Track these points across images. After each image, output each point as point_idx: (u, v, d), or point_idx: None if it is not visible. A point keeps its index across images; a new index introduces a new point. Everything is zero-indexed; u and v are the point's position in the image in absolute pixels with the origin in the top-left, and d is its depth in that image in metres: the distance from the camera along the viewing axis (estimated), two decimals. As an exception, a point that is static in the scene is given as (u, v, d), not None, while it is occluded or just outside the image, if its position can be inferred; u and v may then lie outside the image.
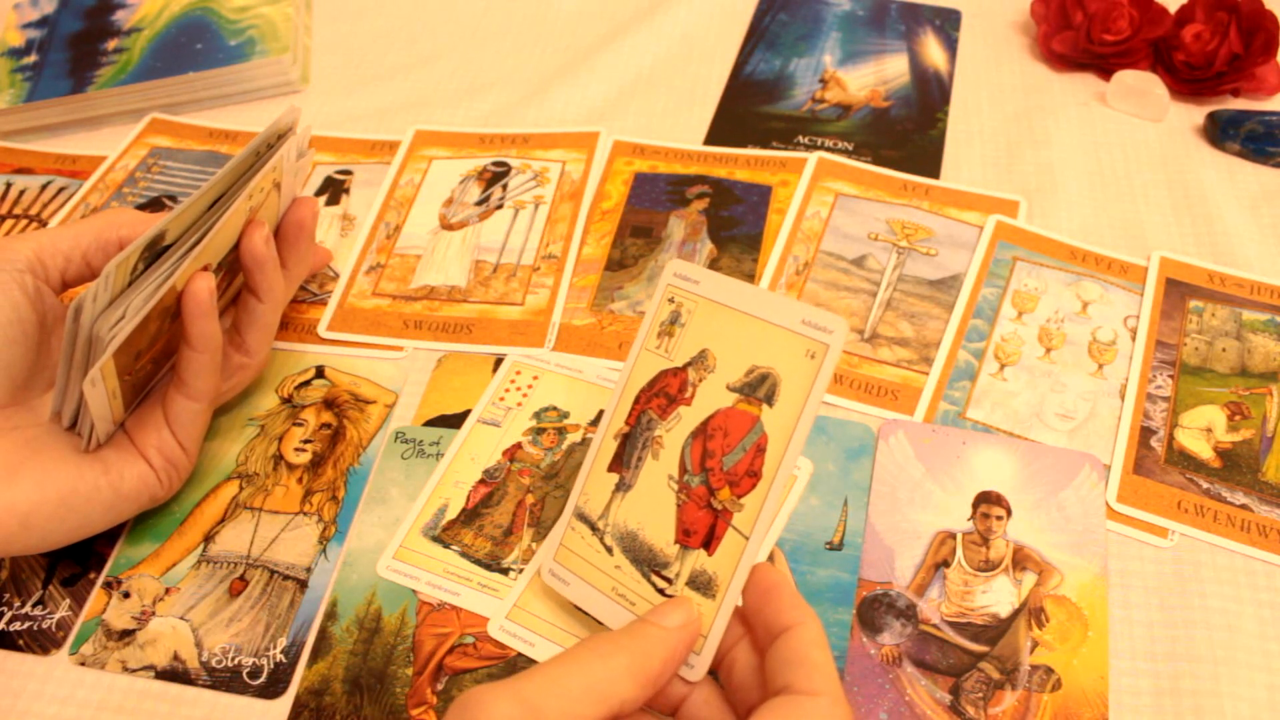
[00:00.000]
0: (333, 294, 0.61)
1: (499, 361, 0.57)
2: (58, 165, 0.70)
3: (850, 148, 0.68)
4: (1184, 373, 0.55)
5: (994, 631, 0.46)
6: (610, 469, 0.44)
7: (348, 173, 0.68)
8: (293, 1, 0.77)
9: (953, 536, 0.49)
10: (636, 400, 0.44)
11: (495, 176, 0.67)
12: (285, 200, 0.52)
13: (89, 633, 0.47)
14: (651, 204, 0.65)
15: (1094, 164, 0.67)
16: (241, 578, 0.49)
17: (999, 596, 0.47)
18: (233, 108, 0.74)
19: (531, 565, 0.49)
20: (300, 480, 0.52)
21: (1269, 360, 0.55)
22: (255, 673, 0.46)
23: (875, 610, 0.47)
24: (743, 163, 0.67)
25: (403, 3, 0.82)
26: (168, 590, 0.49)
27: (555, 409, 0.54)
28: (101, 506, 0.46)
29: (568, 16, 0.80)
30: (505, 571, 0.49)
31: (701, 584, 0.40)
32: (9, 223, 0.66)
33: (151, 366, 0.48)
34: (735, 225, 0.63)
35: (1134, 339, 0.56)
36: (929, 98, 0.71)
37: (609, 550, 0.43)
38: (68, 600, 0.49)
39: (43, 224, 0.66)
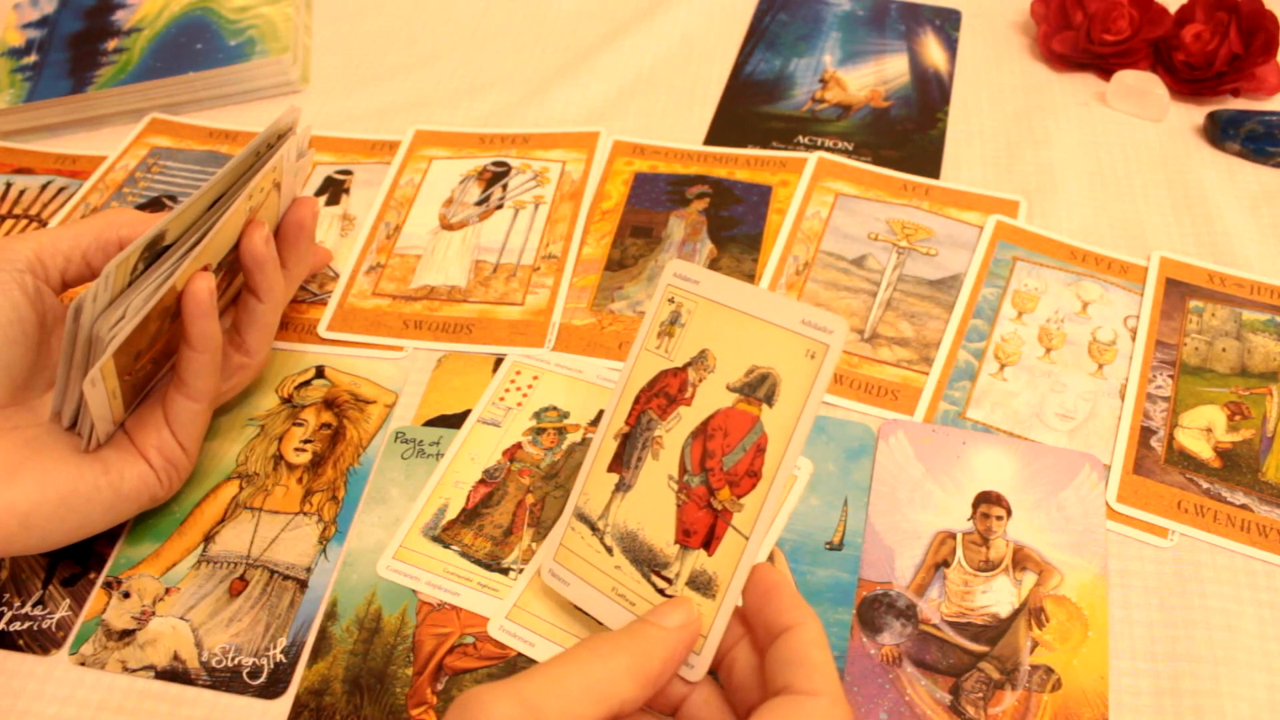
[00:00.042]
0: (333, 294, 0.61)
1: (499, 361, 0.57)
2: (58, 165, 0.70)
3: (850, 148, 0.68)
4: (1184, 373, 0.55)
5: (994, 631, 0.46)
6: (610, 469, 0.44)
7: (348, 173, 0.68)
8: (293, 1, 0.77)
9: (953, 536, 0.49)
10: (636, 400, 0.44)
11: (495, 176, 0.67)
12: (285, 200, 0.52)
13: (89, 633, 0.48)
14: (651, 204, 0.65)
15: (1094, 164, 0.67)
16: (241, 578, 0.49)
17: (999, 596, 0.47)
18: (233, 108, 0.74)
19: (531, 565, 0.49)
20: (300, 480, 0.52)
21: (1269, 360, 0.55)
22: (255, 673, 0.46)
23: (875, 610, 0.47)
24: (743, 163, 0.67)
25: (403, 3, 0.82)
26: (168, 590, 0.49)
27: (555, 409, 0.54)
28: (101, 506, 0.46)
29: (568, 16, 0.80)
30: (505, 571, 0.49)
31: (701, 584, 0.40)
32: (9, 223, 0.66)
33: (151, 366, 0.48)
34: (735, 225, 0.63)
35: (1134, 339, 0.56)
36: (929, 98, 0.71)
37: (609, 550, 0.43)
38: (68, 600, 0.49)
39: (43, 224, 0.66)
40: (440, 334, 0.58)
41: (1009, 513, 0.50)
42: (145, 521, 0.51)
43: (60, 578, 0.50)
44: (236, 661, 0.46)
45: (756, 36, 0.77)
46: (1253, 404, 0.54)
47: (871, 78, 0.73)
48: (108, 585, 0.49)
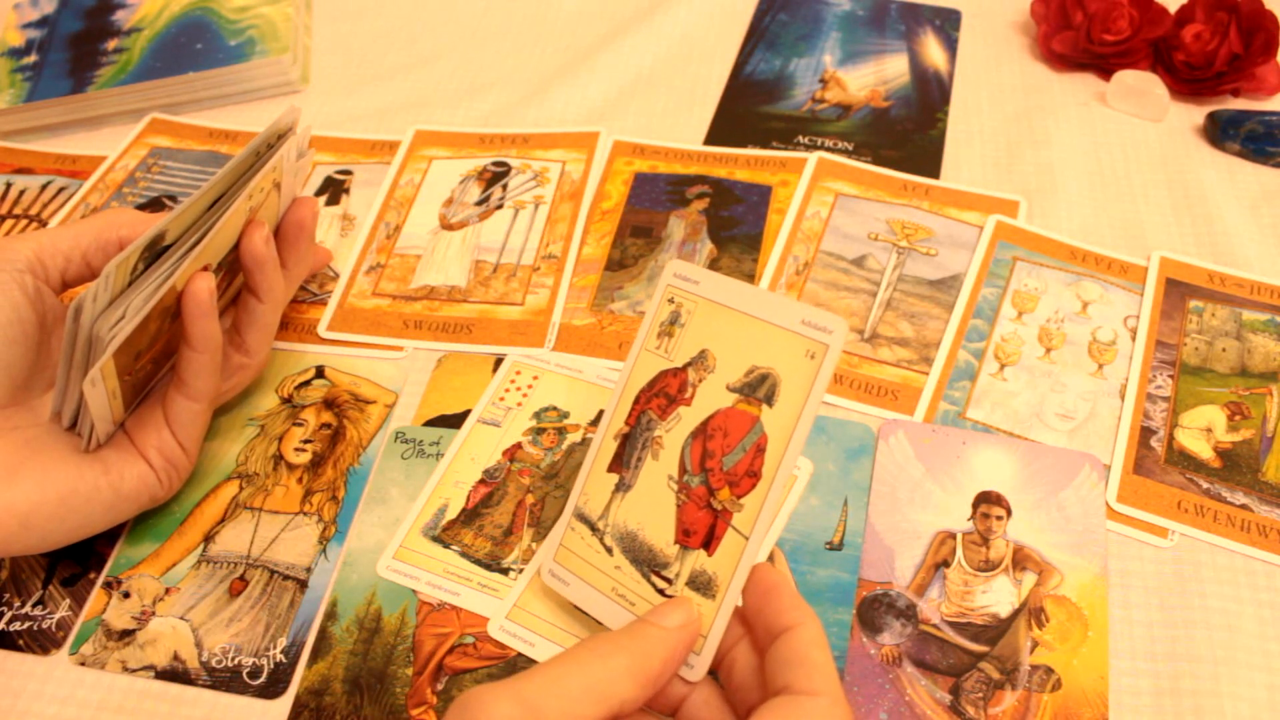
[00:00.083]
0: (333, 294, 0.61)
1: (499, 361, 0.57)
2: (58, 165, 0.70)
3: (850, 148, 0.68)
4: (1184, 373, 0.55)
5: (994, 631, 0.46)
6: (610, 469, 0.44)
7: (348, 173, 0.68)
8: (293, 1, 0.77)
9: (953, 536, 0.49)
10: (636, 400, 0.44)
11: (495, 176, 0.67)
12: (285, 200, 0.52)
13: (89, 633, 0.48)
14: (651, 204, 0.65)
15: (1094, 164, 0.67)
16: (241, 578, 0.49)
17: (999, 596, 0.47)
18: (233, 108, 0.74)
19: (531, 565, 0.49)
20: (300, 480, 0.52)
21: (1269, 360, 0.55)
22: (255, 673, 0.46)
23: (875, 610, 0.47)
24: (743, 163, 0.67)
25: (403, 3, 0.82)
26: (168, 590, 0.49)
27: (555, 409, 0.54)
28: (101, 507, 0.46)
29: (568, 16, 0.80)
30: (505, 571, 0.49)
31: (701, 584, 0.40)
32: (9, 223, 0.66)
33: (151, 366, 0.48)
34: (735, 225, 0.63)
35: (1134, 339, 0.56)
36: (929, 98, 0.71)
37: (609, 550, 0.43)
38: (68, 600, 0.49)
39: (43, 224, 0.66)
40: (440, 334, 0.58)
41: (1009, 513, 0.50)
42: (145, 521, 0.51)
43: (60, 578, 0.50)
44: (236, 661, 0.46)
45: (756, 36, 0.77)
46: (1253, 404, 0.54)
47: (871, 78, 0.73)
48: (108, 585, 0.49)
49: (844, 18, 0.78)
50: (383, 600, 0.48)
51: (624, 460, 0.44)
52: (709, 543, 0.41)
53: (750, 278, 0.60)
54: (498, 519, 0.50)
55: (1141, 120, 0.70)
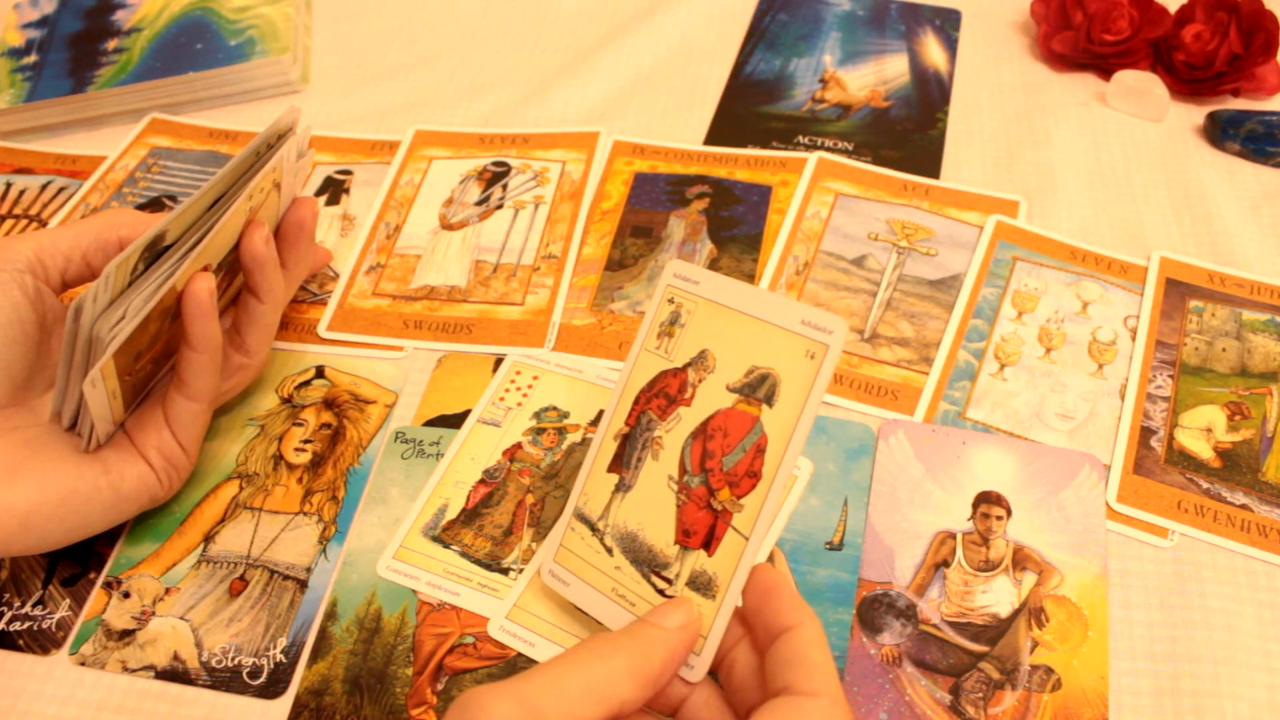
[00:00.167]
0: (333, 294, 0.61)
1: (499, 361, 0.57)
2: (58, 165, 0.70)
3: (850, 148, 0.68)
4: (1184, 373, 0.55)
5: (994, 631, 0.46)
6: (610, 469, 0.44)
7: (348, 173, 0.68)
8: (293, 1, 0.77)
9: (953, 536, 0.49)
10: (636, 401, 0.44)
11: (495, 176, 0.67)
12: (285, 200, 0.52)
13: (89, 633, 0.48)
14: (651, 204, 0.65)
15: (1094, 164, 0.67)
16: (241, 578, 0.49)
17: (999, 596, 0.47)
18: (233, 108, 0.74)
19: (531, 565, 0.49)
20: (300, 480, 0.52)
21: (1269, 360, 0.55)
22: (255, 673, 0.46)
23: (875, 610, 0.47)
24: (743, 163, 0.67)
25: (403, 3, 0.82)
26: (168, 590, 0.49)
27: (555, 409, 0.54)
28: (101, 507, 0.46)
29: (568, 16, 0.80)
30: (505, 571, 0.49)
31: (701, 584, 0.40)
32: (9, 223, 0.66)
33: (151, 367, 0.48)
34: (735, 225, 0.63)
35: (1134, 339, 0.56)
36: (929, 98, 0.71)
37: (609, 551, 0.43)
38: (68, 600, 0.49)
39: (43, 224, 0.66)
40: (440, 334, 0.58)
41: (1009, 513, 0.50)
42: (145, 521, 0.51)
43: (60, 578, 0.50)
44: (236, 661, 0.46)
45: (756, 36, 0.77)
46: (1253, 404, 0.54)
47: (871, 78, 0.73)
48: (108, 585, 0.49)
49: (844, 18, 0.78)
50: (383, 600, 0.48)
51: (624, 460, 0.44)
52: (709, 543, 0.41)
53: (750, 278, 0.60)
54: (498, 519, 0.50)
55: (1141, 120, 0.70)
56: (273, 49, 0.73)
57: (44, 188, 0.68)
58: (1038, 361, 0.56)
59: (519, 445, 0.53)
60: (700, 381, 0.43)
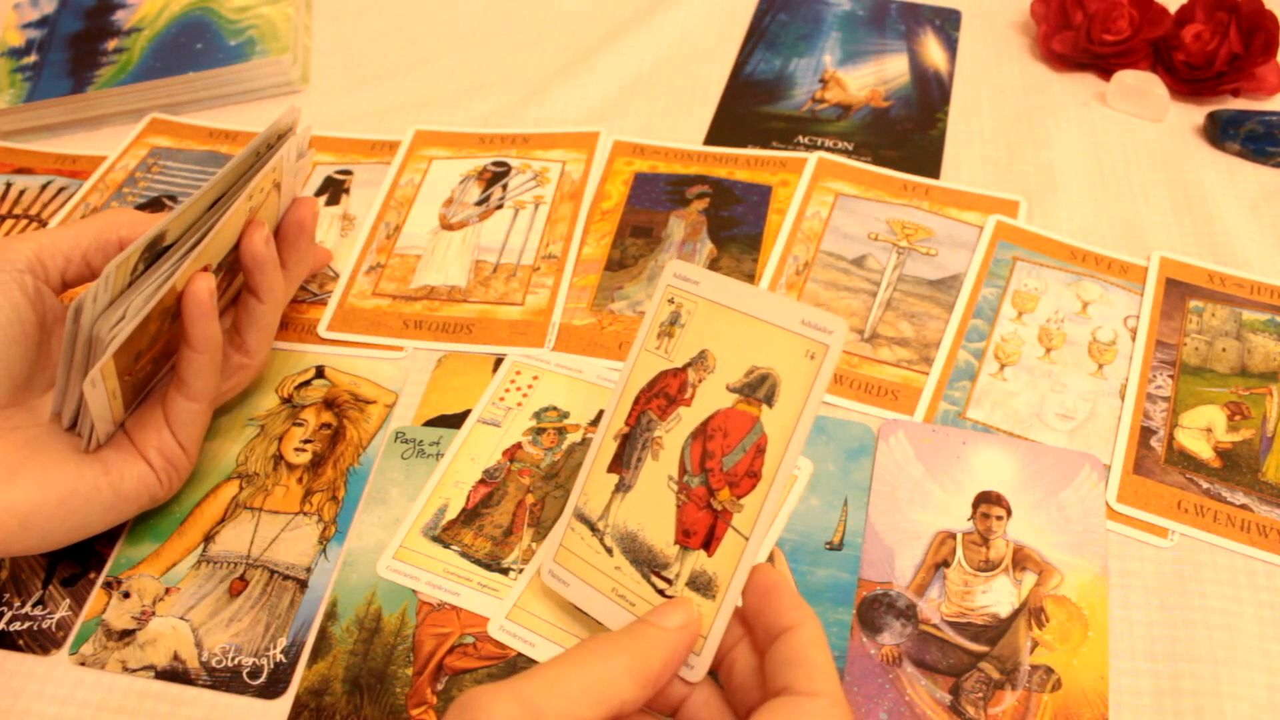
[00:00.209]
0: (333, 294, 0.61)
1: (499, 361, 0.57)
2: (58, 165, 0.70)
3: (850, 148, 0.68)
4: (1184, 373, 0.55)
5: (994, 631, 0.46)
6: (610, 469, 0.44)
7: (348, 173, 0.68)
8: (293, 1, 0.77)
9: (953, 536, 0.49)
10: (636, 401, 0.44)
11: (495, 176, 0.67)
12: (285, 200, 0.52)
13: (89, 633, 0.48)
14: (651, 204, 0.65)
15: (1094, 164, 0.67)
16: (241, 578, 0.49)
17: (999, 596, 0.47)
18: (233, 108, 0.74)
19: (531, 565, 0.49)
20: (300, 480, 0.52)
21: (1269, 360, 0.55)
22: (255, 673, 0.46)
23: (875, 610, 0.47)
24: (743, 163, 0.67)
25: (403, 3, 0.82)
26: (168, 590, 0.49)
27: (555, 409, 0.54)
28: (101, 507, 0.46)
29: (568, 16, 0.80)
30: (505, 571, 0.49)
31: (701, 585, 0.40)
32: (9, 223, 0.66)
33: (151, 367, 0.48)
34: (735, 225, 0.63)
35: (1134, 339, 0.56)
36: (929, 98, 0.71)
37: (609, 551, 0.43)
38: (68, 600, 0.49)
39: (43, 224, 0.66)
40: (440, 334, 0.58)
41: (1009, 513, 0.50)
42: (145, 521, 0.51)
43: (60, 578, 0.50)
44: (236, 661, 0.46)
45: (756, 36, 0.77)
46: (1253, 404, 0.54)
47: (871, 78, 0.73)
48: (108, 585, 0.49)
49: (844, 18, 0.78)
50: (383, 600, 0.48)
51: (624, 460, 0.44)
52: (709, 543, 0.41)
53: (750, 278, 0.60)
54: (498, 519, 0.50)
55: (1141, 120, 0.70)
56: (273, 49, 0.73)
57: (44, 188, 0.68)
58: (1038, 361, 0.56)
59: (519, 445, 0.53)
60: (700, 381, 0.43)
